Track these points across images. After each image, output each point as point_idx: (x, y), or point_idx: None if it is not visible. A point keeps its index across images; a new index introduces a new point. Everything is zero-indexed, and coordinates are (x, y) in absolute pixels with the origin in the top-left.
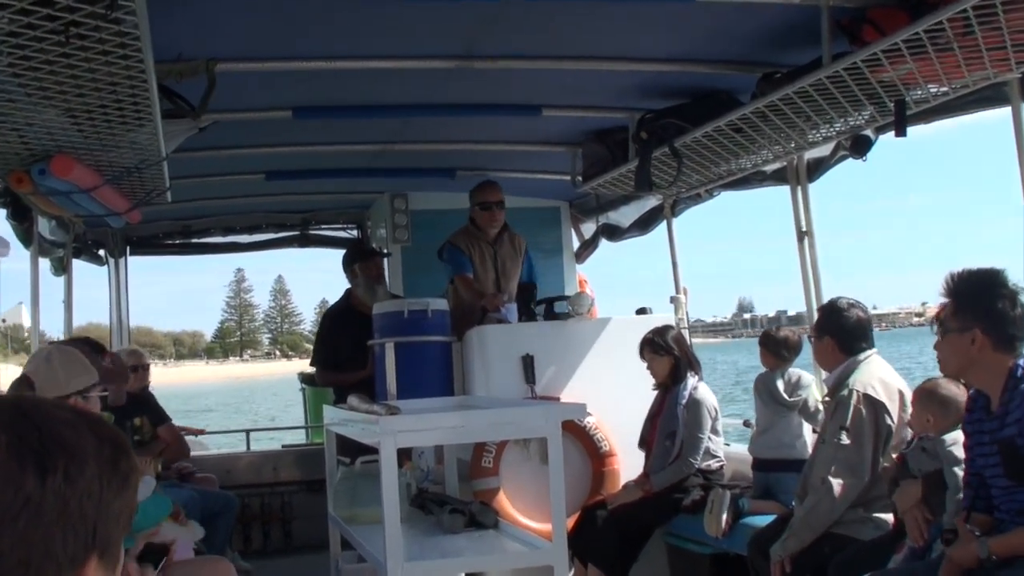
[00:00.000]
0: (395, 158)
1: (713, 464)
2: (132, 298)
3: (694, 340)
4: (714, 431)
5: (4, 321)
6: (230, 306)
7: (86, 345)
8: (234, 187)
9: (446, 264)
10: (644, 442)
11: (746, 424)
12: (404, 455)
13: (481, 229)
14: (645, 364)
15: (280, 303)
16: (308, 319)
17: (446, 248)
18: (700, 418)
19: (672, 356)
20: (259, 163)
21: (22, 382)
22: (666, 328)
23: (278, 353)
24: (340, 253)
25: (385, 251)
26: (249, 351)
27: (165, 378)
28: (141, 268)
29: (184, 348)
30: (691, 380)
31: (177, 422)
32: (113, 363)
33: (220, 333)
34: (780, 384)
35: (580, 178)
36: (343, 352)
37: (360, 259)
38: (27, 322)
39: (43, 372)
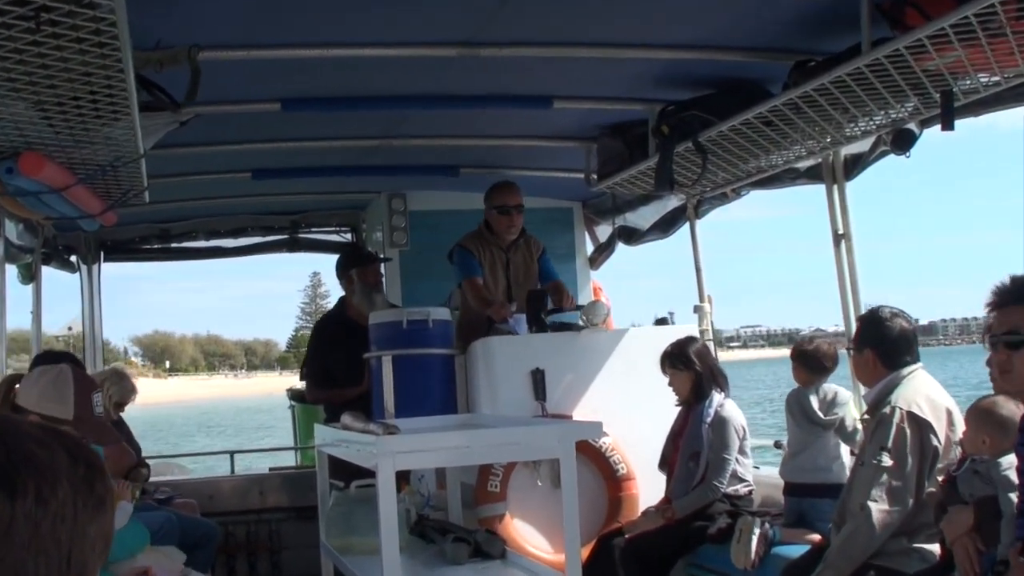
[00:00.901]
0: (393, 154)
1: (741, 489)
2: (198, 303)
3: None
4: (742, 452)
5: (71, 329)
6: (305, 312)
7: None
8: (217, 186)
9: (455, 268)
10: (665, 464)
11: (777, 445)
12: (402, 479)
13: (496, 234)
14: (667, 380)
15: None
16: None
17: (456, 251)
18: (727, 438)
19: (693, 371)
20: (245, 160)
21: (11, 380)
22: (688, 340)
23: None
24: (333, 258)
25: (384, 256)
26: None
27: (234, 390)
28: (207, 271)
29: (256, 358)
30: (716, 396)
31: (221, 441)
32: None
33: (295, 342)
34: (814, 401)
35: (595, 176)
36: (336, 366)
37: (357, 264)
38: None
39: (28, 382)
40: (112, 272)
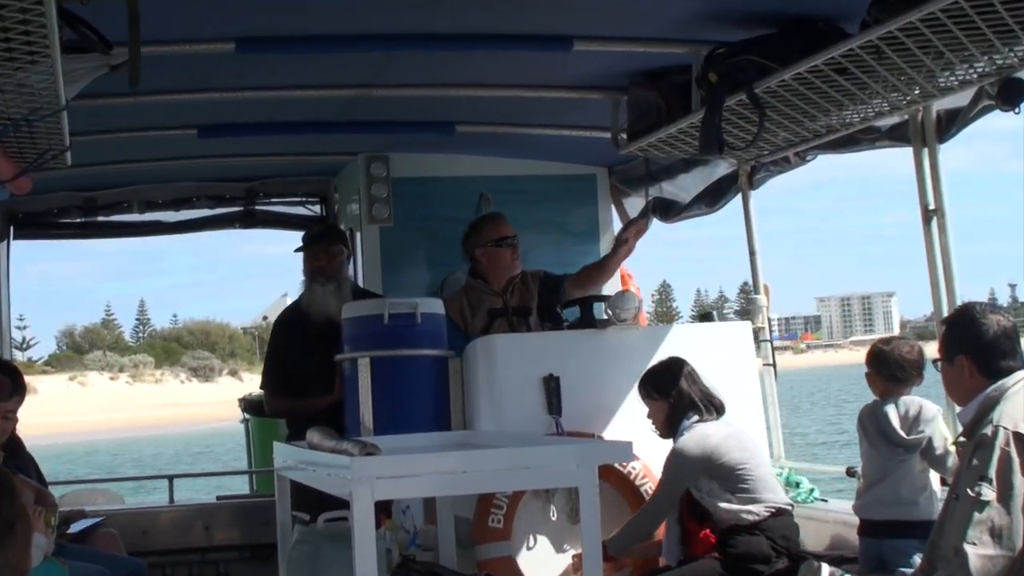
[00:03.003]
0: (373, 107)
1: (750, 513)
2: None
3: None
4: (731, 478)
5: (266, 319)
6: None
7: None
8: (156, 146)
9: None
10: None
11: (850, 473)
12: (383, 511)
13: (492, 278)
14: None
15: None
16: None
17: None
18: (667, 469)
19: (667, 402)
20: (190, 114)
21: None
22: (668, 364)
23: None
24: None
25: (359, 230)
26: None
27: None
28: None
29: None
30: (686, 423)
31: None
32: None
33: None
34: (894, 417)
35: (624, 136)
36: (299, 370)
37: (303, 247)
38: None
39: None
40: (289, 250)
